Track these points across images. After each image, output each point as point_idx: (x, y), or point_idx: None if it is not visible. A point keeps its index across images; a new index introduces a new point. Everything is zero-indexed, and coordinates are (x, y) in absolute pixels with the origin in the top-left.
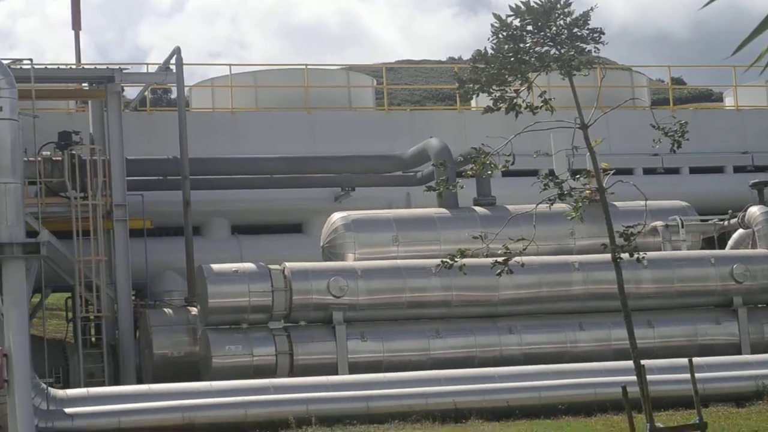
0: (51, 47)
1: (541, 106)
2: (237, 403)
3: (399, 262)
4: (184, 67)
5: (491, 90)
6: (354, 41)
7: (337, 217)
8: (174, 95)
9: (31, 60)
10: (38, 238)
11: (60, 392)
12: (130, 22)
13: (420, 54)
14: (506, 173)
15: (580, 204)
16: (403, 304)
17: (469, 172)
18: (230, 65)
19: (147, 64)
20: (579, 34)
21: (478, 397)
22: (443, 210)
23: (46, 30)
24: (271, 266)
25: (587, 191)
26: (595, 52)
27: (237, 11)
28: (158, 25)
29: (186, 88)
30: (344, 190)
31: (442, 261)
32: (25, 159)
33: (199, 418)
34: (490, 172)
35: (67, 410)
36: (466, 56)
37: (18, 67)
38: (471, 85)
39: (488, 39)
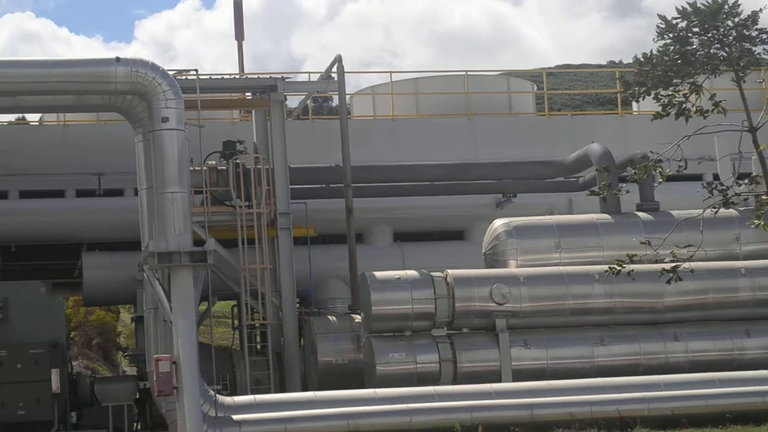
0: (208, 58)
1: (713, 110)
2: (402, 410)
3: (562, 268)
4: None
5: (659, 95)
6: (505, 46)
7: (498, 223)
8: (335, 103)
9: (196, 71)
10: (205, 247)
11: (227, 399)
12: (284, 32)
13: (571, 58)
14: (670, 178)
15: (762, 212)
16: (566, 311)
17: (634, 177)
18: (390, 72)
19: (308, 72)
20: (747, 34)
21: (643, 405)
22: (606, 216)
23: (203, 41)
24: (434, 273)
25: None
26: (765, 54)
27: (389, 19)
28: (311, 35)
29: (347, 96)
30: (506, 196)
31: (609, 267)
32: (191, 168)
33: (364, 426)
34: (661, 181)
35: (235, 417)
36: (626, 60)
37: (183, 77)
38: (637, 88)
39: (653, 40)
